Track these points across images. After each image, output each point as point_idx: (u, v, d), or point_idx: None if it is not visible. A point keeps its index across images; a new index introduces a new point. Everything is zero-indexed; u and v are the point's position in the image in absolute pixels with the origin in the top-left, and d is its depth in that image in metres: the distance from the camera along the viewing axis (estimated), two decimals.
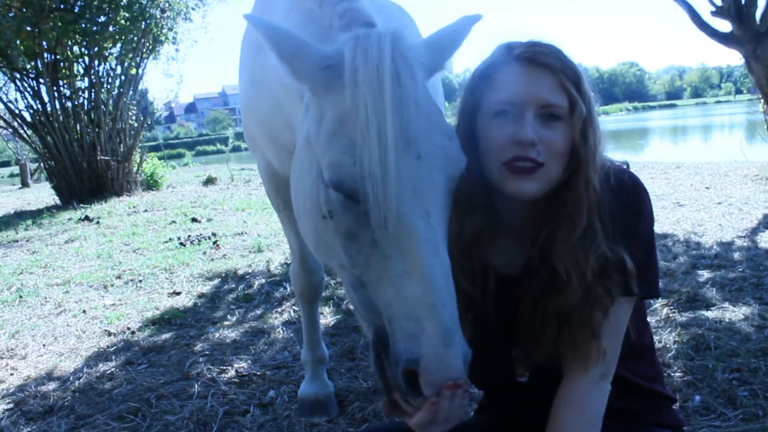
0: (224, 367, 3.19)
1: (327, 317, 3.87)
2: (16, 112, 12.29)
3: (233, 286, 4.81)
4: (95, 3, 11.29)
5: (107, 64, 12.42)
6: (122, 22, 11.63)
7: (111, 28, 11.68)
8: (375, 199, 1.06)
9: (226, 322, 3.95)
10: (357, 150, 1.07)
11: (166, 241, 6.91)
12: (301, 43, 1.18)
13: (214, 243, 6.55)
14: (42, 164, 14.36)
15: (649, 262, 1.31)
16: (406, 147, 1.08)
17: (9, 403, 3.01)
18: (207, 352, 3.44)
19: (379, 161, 1.05)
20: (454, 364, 1.02)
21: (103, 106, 12.07)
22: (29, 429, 2.71)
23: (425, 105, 1.14)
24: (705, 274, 4.05)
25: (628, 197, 1.29)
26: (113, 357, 3.50)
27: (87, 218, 9.25)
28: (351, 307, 4.02)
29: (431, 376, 1.01)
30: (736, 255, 4.47)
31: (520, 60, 1.24)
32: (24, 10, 10.57)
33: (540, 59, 1.23)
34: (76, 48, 12.02)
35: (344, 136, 1.11)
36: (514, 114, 1.23)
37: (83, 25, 11.30)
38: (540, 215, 1.29)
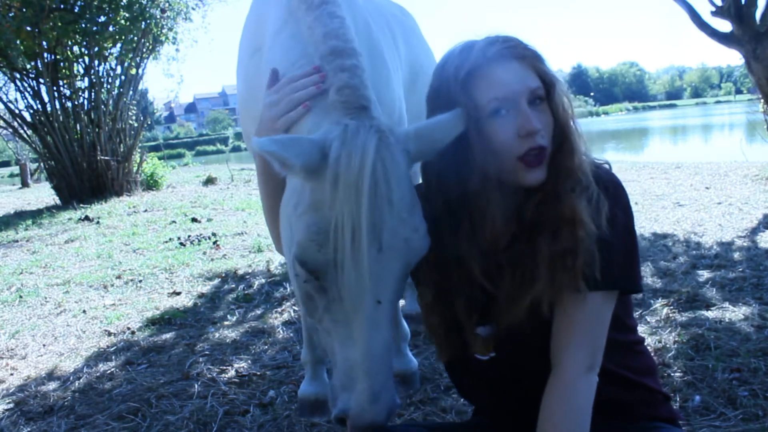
0: (224, 367, 3.19)
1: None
2: (16, 112, 12.28)
3: (233, 286, 4.81)
4: (95, 3, 11.28)
5: (107, 64, 12.42)
6: (122, 22, 11.62)
7: (111, 28, 11.67)
8: (333, 282, 1.19)
9: (226, 322, 3.95)
10: (325, 239, 1.17)
11: (166, 241, 6.91)
12: (303, 150, 1.21)
13: (214, 243, 6.55)
14: (42, 164, 14.36)
15: (630, 257, 1.35)
16: (371, 243, 1.16)
17: (9, 403, 3.01)
18: (207, 352, 3.44)
19: (345, 255, 1.15)
20: (378, 417, 1.18)
21: (103, 106, 12.07)
22: (29, 429, 2.71)
23: (398, 204, 1.20)
24: (705, 274, 4.05)
25: (607, 190, 1.33)
26: (113, 357, 3.50)
27: (87, 218, 9.25)
28: None
29: (356, 424, 1.18)
30: (736, 255, 4.47)
31: (498, 57, 1.30)
32: (24, 10, 10.57)
33: (515, 53, 1.31)
34: (76, 48, 12.01)
35: (314, 224, 1.20)
36: (509, 109, 1.28)
37: (83, 25, 11.29)
38: (536, 189, 1.34)
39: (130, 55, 12.20)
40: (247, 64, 1.98)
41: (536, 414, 1.31)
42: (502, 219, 1.33)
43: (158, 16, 11.94)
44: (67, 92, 12.02)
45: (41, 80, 11.74)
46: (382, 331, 1.20)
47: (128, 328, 3.99)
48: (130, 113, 12.67)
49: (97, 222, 8.91)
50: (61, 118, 11.72)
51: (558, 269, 1.27)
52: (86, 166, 11.88)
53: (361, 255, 1.15)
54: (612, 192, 1.34)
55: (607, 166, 1.42)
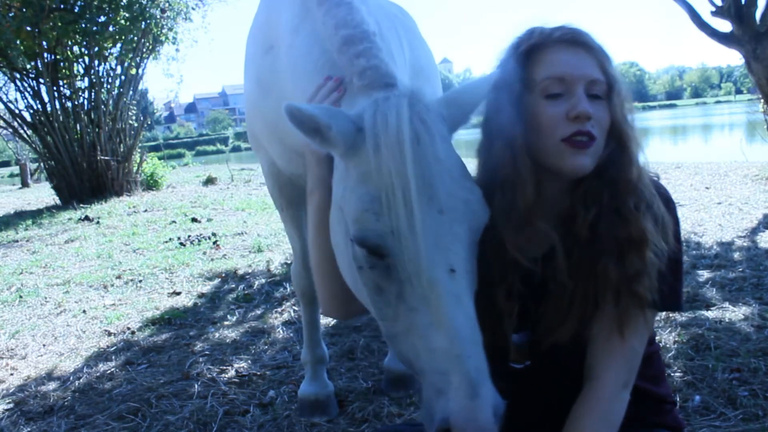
0: (224, 367, 3.19)
1: (327, 317, 3.87)
2: (16, 112, 12.29)
3: (233, 286, 4.81)
4: (95, 3, 11.28)
5: (107, 64, 12.42)
6: (122, 22, 11.62)
7: (111, 28, 11.68)
8: (398, 255, 1.10)
9: (226, 322, 3.95)
10: (380, 207, 1.11)
11: (166, 241, 6.91)
12: (334, 114, 1.21)
13: (214, 243, 6.55)
14: (42, 164, 14.36)
15: (678, 276, 1.32)
16: (428, 203, 1.11)
17: (9, 403, 3.01)
18: (207, 352, 3.44)
19: (402, 218, 1.09)
20: (482, 416, 1.02)
21: (103, 106, 12.07)
22: (29, 429, 2.71)
23: (447, 161, 1.17)
24: (705, 274, 4.05)
25: (668, 207, 1.31)
26: (113, 357, 3.50)
27: (87, 218, 9.25)
28: None
29: (462, 427, 1.02)
30: (736, 255, 4.47)
31: (563, 41, 1.28)
32: (24, 10, 10.57)
33: (581, 39, 1.28)
34: (76, 48, 12.02)
35: (366, 193, 1.15)
36: (564, 91, 1.25)
37: (83, 25, 11.30)
38: (585, 195, 1.29)
39: (130, 55, 12.20)
40: (261, 63, 1.96)
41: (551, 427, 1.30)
42: (536, 202, 1.28)
43: (158, 16, 11.94)
44: (67, 92, 12.03)
45: (41, 80, 11.74)
46: (466, 307, 1.10)
47: (128, 328, 3.98)
48: (130, 113, 12.67)
49: (97, 222, 8.91)
50: (61, 118, 11.72)
51: (624, 294, 1.23)
52: (86, 166, 11.88)
53: (418, 214, 1.08)
54: (672, 209, 1.31)
55: (655, 177, 1.38)
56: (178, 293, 4.74)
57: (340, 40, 1.40)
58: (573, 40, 1.27)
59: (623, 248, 1.24)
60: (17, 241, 7.89)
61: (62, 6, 11.20)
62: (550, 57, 1.27)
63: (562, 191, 1.32)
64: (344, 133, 1.19)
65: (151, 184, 13.13)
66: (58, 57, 11.69)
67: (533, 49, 1.29)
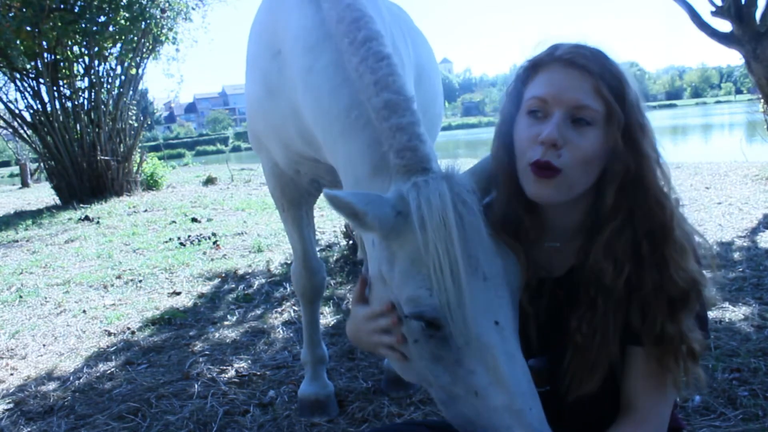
0: (224, 367, 3.19)
1: (327, 317, 3.87)
2: (16, 112, 12.28)
3: (233, 286, 4.81)
4: (95, 3, 11.28)
5: (107, 64, 12.41)
6: (122, 22, 11.62)
7: (111, 28, 11.67)
8: (454, 323, 1.18)
9: (226, 322, 3.95)
10: (431, 284, 1.19)
11: (166, 241, 6.91)
12: (371, 200, 1.25)
13: (214, 243, 6.55)
14: (42, 164, 14.35)
15: (703, 305, 1.33)
16: (474, 274, 1.21)
17: (9, 403, 3.01)
18: (207, 352, 3.44)
19: (453, 291, 1.17)
20: None
21: (103, 106, 12.06)
22: (29, 429, 2.71)
23: (485, 233, 1.25)
24: (705, 274, 4.04)
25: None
26: (113, 357, 3.50)
27: (87, 218, 9.25)
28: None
29: None
30: (736, 255, 4.47)
31: (560, 61, 1.23)
32: (24, 10, 10.56)
33: (579, 61, 1.21)
34: (76, 48, 12.01)
35: (417, 273, 1.22)
36: (544, 113, 1.22)
37: (83, 25, 11.29)
38: (611, 248, 1.24)
39: (130, 55, 12.19)
40: (268, 67, 1.94)
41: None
42: (534, 219, 1.29)
43: (158, 16, 11.93)
44: (67, 92, 12.02)
45: (41, 80, 11.73)
46: (519, 363, 1.19)
47: (128, 328, 3.98)
48: (130, 113, 12.66)
49: (97, 222, 8.91)
50: (61, 118, 11.71)
51: (681, 354, 1.23)
52: (86, 166, 11.88)
53: (466, 287, 1.17)
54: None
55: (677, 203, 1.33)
56: (178, 293, 4.74)
57: (381, 102, 1.39)
58: (571, 60, 1.22)
59: (674, 303, 1.22)
60: (17, 241, 7.89)
61: (62, 6, 11.19)
62: (542, 76, 1.25)
63: (574, 221, 1.30)
64: (381, 218, 1.24)
65: (151, 184, 13.12)
66: (58, 57, 11.68)
67: (534, 65, 1.28)
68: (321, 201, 7.48)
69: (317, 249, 5.65)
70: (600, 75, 1.20)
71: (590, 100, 1.19)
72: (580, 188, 1.23)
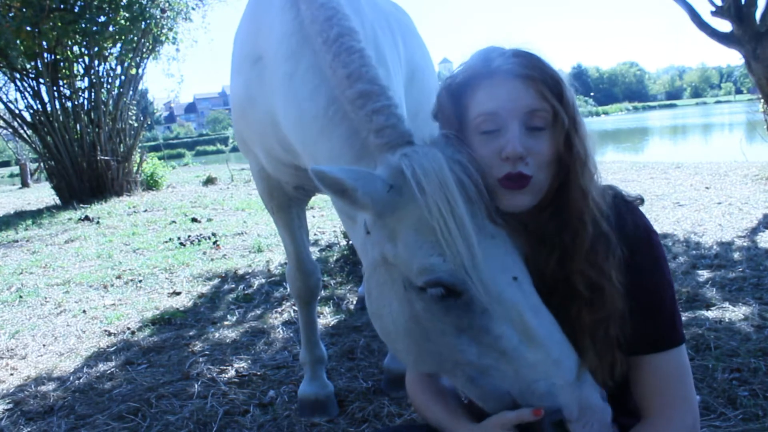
0: (224, 367, 3.19)
1: (327, 317, 3.87)
2: (16, 112, 12.30)
3: (233, 286, 4.81)
4: (95, 3, 11.29)
5: (107, 64, 12.43)
6: (122, 22, 11.63)
7: (111, 28, 11.68)
8: (473, 284, 1.14)
9: (226, 322, 3.95)
10: (442, 249, 1.15)
11: (166, 241, 6.91)
12: (361, 176, 1.22)
13: (214, 243, 6.55)
14: (42, 164, 14.37)
15: (673, 310, 1.30)
16: (481, 232, 1.17)
17: (9, 403, 3.01)
18: (207, 352, 3.44)
19: (465, 251, 1.13)
20: (595, 403, 1.13)
21: (103, 106, 12.07)
22: (29, 429, 2.71)
23: (483, 191, 1.21)
24: (705, 274, 4.05)
25: (639, 240, 1.27)
26: (113, 357, 3.50)
27: (87, 218, 9.25)
28: (351, 308, 4.02)
29: (581, 418, 1.12)
30: (736, 255, 4.47)
31: (500, 72, 1.23)
32: (24, 10, 10.58)
33: (519, 71, 1.22)
34: (76, 48, 12.02)
35: (424, 242, 1.18)
36: (498, 127, 1.22)
37: (83, 25, 11.30)
38: (551, 226, 1.27)
39: (130, 55, 12.20)
40: (249, 73, 1.95)
41: None
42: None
43: (158, 16, 11.94)
44: (67, 92, 12.03)
45: (41, 80, 11.75)
46: (544, 313, 1.17)
47: (128, 328, 3.98)
48: (130, 113, 12.68)
49: (97, 222, 8.91)
50: (61, 118, 11.72)
51: (598, 339, 1.22)
52: (86, 166, 11.89)
53: (477, 245, 1.14)
54: (645, 243, 1.27)
55: (638, 201, 1.35)
56: (178, 293, 4.74)
57: (356, 93, 1.39)
58: (510, 70, 1.22)
59: (589, 291, 1.22)
60: (17, 241, 7.89)
61: (62, 6, 11.19)
62: (484, 91, 1.23)
63: (531, 222, 1.30)
64: (373, 194, 1.20)
65: (151, 184, 13.13)
66: (58, 57, 11.69)
67: (470, 81, 1.26)
68: (321, 201, 7.51)
69: (317, 249, 5.69)
70: (542, 80, 1.22)
71: (539, 103, 1.21)
72: (545, 189, 1.26)
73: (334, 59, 1.46)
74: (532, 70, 1.22)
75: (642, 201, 1.37)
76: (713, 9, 7.34)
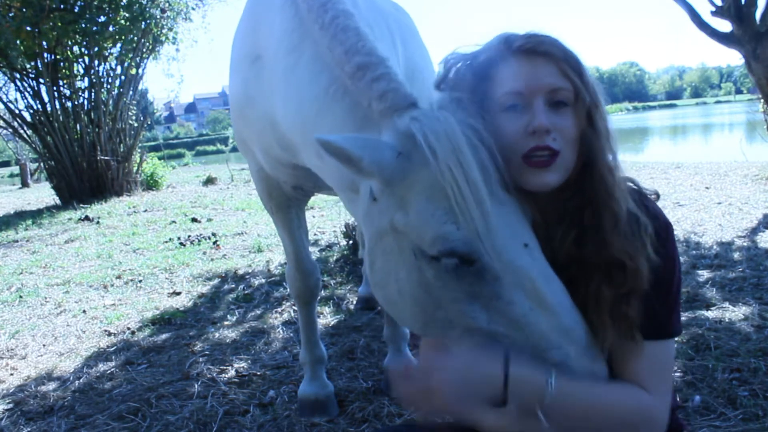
0: (224, 367, 3.19)
1: (327, 317, 3.87)
2: (16, 112, 12.29)
3: (233, 286, 4.81)
4: (95, 3, 11.28)
5: (107, 64, 12.43)
6: (122, 22, 11.63)
7: (111, 28, 11.68)
8: (487, 251, 1.13)
9: (226, 322, 3.95)
10: (456, 216, 1.13)
11: (166, 241, 6.91)
12: (367, 144, 1.20)
13: (214, 243, 6.55)
14: (42, 164, 14.37)
15: (677, 302, 1.31)
16: (493, 198, 1.15)
17: (9, 403, 3.01)
18: (207, 352, 3.44)
19: (479, 218, 1.12)
20: (603, 377, 1.16)
21: (103, 106, 12.07)
22: (29, 429, 2.71)
23: (496, 156, 1.19)
24: (705, 274, 4.05)
25: (659, 229, 1.27)
26: (113, 357, 3.50)
27: (87, 218, 9.25)
28: (351, 308, 4.02)
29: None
30: (736, 255, 4.47)
31: (521, 52, 1.24)
32: (24, 10, 10.57)
33: (541, 48, 1.23)
34: (76, 48, 12.02)
35: (437, 209, 1.15)
36: (523, 105, 1.22)
37: (83, 25, 11.30)
38: (564, 215, 1.27)
39: (130, 55, 12.20)
40: (248, 72, 1.95)
41: None
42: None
43: (158, 16, 11.94)
44: (67, 92, 12.03)
45: (41, 80, 11.74)
46: (554, 281, 1.16)
47: (128, 328, 3.98)
48: (130, 113, 12.68)
49: (97, 222, 8.91)
50: (61, 118, 11.72)
51: (616, 316, 1.21)
52: (86, 166, 11.88)
53: (491, 212, 1.13)
54: (663, 231, 1.28)
55: (654, 196, 1.36)
56: (178, 293, 4.74)
57: (354, 66, 1.38)
58: (532, 50, 1.23)
59: (609, 269, 1.22)
60: (17, 241, 7.89)
61: (62, 6, 11.19)
62: (507, 71, 1.24)
63: (541, 209, 1.29)
64: (380, 162, 1.18)
65: (151, 184, 13.13)
66: (58, 57, 11.69)
67: (491, 63, 1.26)
68: (321, 201, 7.50)
69: (317, 249, 5.69)
70: (563, 59, 1.24)
71: (562, 81, 1.22)
72: (570, 168, 1.25)
73: (331, 40, 1.46)
74: (553, 49, 1.24)
75: (658, 196, 1.37)
76: (713, 9, 7.34)
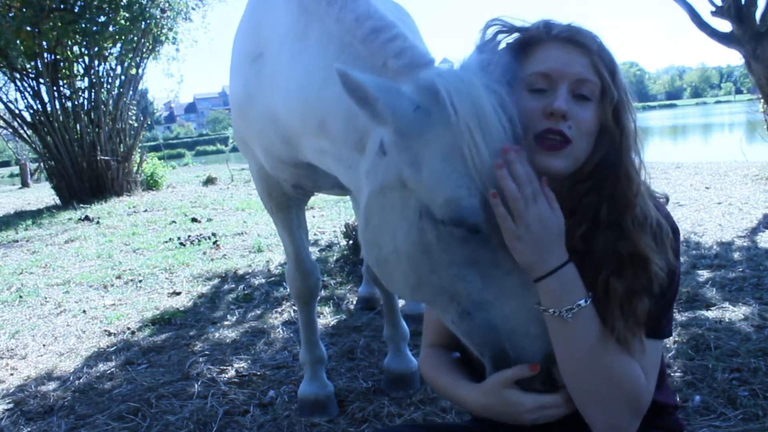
0: (224, 367, 3.19)
1: (327, 317, 3.87)
2: (16, 112, 12.28)
3: (233, 286, 4.81)
4: (95, 3, 11.28)
5: (107, 64, 12.41)
6: (122, 22, 11.62)
7: (111, 28, 11.67)
8: (493, 225, 1.12)
9: (226, 322, 3.95)
10: (470, 181, 1.11)
11: (166, 241, 6.91)
12: (387, 87, 1.18)
13: (214, 243, 6.55)
14: (42, 164, 14.36)
15: (672, 305, 1.34)
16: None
17: (9, 403, 3.01)
18: (207, 352, 3.44)
19: (495, 183, 1.10)
20: None
21: (103, 106, 12.06)
22: (29, 429, 2.71)
23: (514, 122, 1.16)
24: (705, 274, 4.05)
25: (670, 230, 1.30)
26: (113, 357, 3.50)
27: (87, 218, 9.25)
28: (351, 308, 4.02)
29: None
30: (736, 255, 4.47)
31: (559, 38, 1.26)
32: (24, 10, 10.57)
33: (577, 38, 1.25)
34: (76, 48, 12.01)
35: (452, 171, 1.13)
36: (548, 88, 1.24)
37: (83, 25, 11.29)
38: (580, 209, 1.27)
39: (130, 55, 12.19)
40: (249, 71, 1.95)
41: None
42: None
43: (158, 16, 11.94)
44: (67, 92, 12.02)
45: (41, 80, 11.74)
46: None
47: (128, 328, 3.98)
48: (130, 113, 12.67)
49: (97, 222, 8.91)
50: (61, 118, 11.71)
51: (627, 310, 1.21)
52: (86, 166, 11.88)
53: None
54: (673, 233, 1.29)
55: (663, 200, 1.37)
56: (178, 293, 4.74)
57: (367, 30, 1.37)
58: (569, 38, 1.26)
59: (622, 263, 1.22)
60: (17, 241, 7.89)
61: (62, 6, 11.19)
62: (541, 53, 1.26)
63: (564, 194, 1.29)
64: (396, 109, 1.16)
65: (151, 184, 13.12)
66: (58, 57, 11.68)
67: (528, 42, 1.28)
68: (322, 201, 7.50)
69: (317, 249, 5.68)
70: (597, 53, 1.25)
71: (590, 75, 1.24)
72: (581, 160, 1.26)
73: (340, 11, 1.46)
74: (589, 42, 1.26)
75: (667, 200, 1.40)
76: (713, 9, 7.34)
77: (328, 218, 7.60)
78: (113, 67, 12.48)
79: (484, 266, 1.15)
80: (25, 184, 20.31)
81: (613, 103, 1.24)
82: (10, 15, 10.61)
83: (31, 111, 11.99)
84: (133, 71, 12.55)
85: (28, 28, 10.72)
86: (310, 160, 1.77)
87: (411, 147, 1.18)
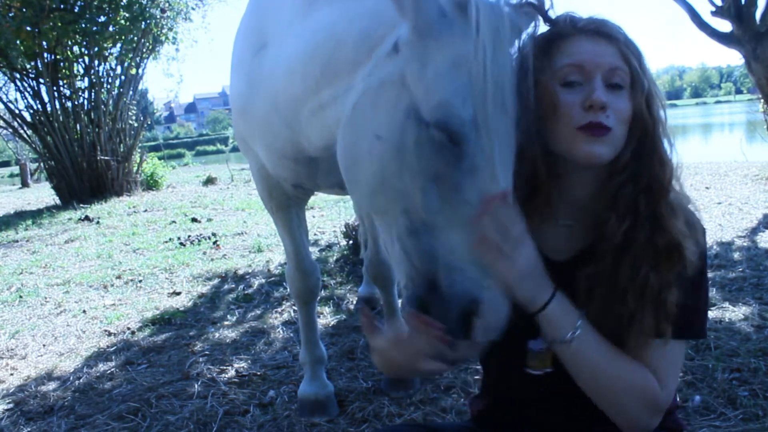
0: (224, 367, 3.19)
1: (327, 317, 3.87)
2: (16, 112, 12.27)
3: (233, 286, 4.81)
4: (95, 3, 11.27)
5: (107, 64, 12.40)
6: (122, 22, 11.62)
7: (111, 28, 11.66)
8: (475, 144, 1.12)
9: (226, 322, 3.95)
10: (468, 94, 1.12)
11: (166, 241, 6.91)
12: None
13: (214, 243, 6.55)
14: (42, 164, 14.36)
15: (704, 305, 1.33)
16: (502, 104, 1.14)
17: (9, 403, 3.01)
18: (207, 352, 3.44)
19: (490, 107, 1.11)
20: (504, 314, 1.14)
21: (103, 106, 12.06)
22: (29, 429, 2.71)
23: (529, 67, 1.20)
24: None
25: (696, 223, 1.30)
26: (113, 357, 3.50)
27: (87, 218, 9.25)
28: (351, 308, 4.02)
29: (488, 320, 1.12)
30: (736, 255, 4.47)
31: (585, 31, 1.27)
32: (24, 10, 10.56)
33: (604, 29, 1.27)
34: (76, 48, 12.00)
35: (456, 78, 1.14)
36: (582, 80, 1.24)
37: (83, 25, 11.28)
38: (617, 201, 1.27)
39: (130, 55, 12.19)
40: (251, 65, 1.94)
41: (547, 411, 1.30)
42: (556, 197, 1.29)
43: (158, 16, 11.93)
44: (67, 92, 12.01)
45: (41, 80, 11.73)
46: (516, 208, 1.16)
47: (128, 328, 3.98)
48: (130, 113, 12.66)
49: (97, 222, 8.91)
50: (61, 118, 11.71)
51: (658, 304, 1.21)
52: (86, 166, 11.87)
53: (501, 109, 1.12)
54: (700, 227, 1.29)
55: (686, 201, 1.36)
56: (178, 293, 4.74)
57: None
58: (596, 30, 1.27)
59: (659, 255, 1.23)
60: (17, 241, 7.89)
61: (62, 6, 11.18)
62: (571, 46, 1.26)
63: (590, 194, 1.30)
64: (420, 4, 1.17)
65: (151, 184, 13.12)
66: (58, 57, 11.67)
67: (556, 36, 1.29)
68: (322, 201, 7.50)
69: (317, 249, 5.68)
70: (625, 43, 1.27)
71: (620, 63, 1.25)
72: (619, 149, 1.26)
73: None
74: (615, 32, 1.27)
75: (688, 201, 1.39)
76: (713, 9, 7.34)
77: (328, 218, 7.60)
78: (113, 67, 12.48)
79: (447, 188, 1.15)
80: (25, 184, 20.31)
81: (644, 92, 1.26)
82: (10, 15, 10.61)
83: (31, 111, 11.98)
84: (133, 71, 12.54)
85: (28, 28, 10.71)
86: (310, 136, 1.72)
87: (427, 47, 1.19)
